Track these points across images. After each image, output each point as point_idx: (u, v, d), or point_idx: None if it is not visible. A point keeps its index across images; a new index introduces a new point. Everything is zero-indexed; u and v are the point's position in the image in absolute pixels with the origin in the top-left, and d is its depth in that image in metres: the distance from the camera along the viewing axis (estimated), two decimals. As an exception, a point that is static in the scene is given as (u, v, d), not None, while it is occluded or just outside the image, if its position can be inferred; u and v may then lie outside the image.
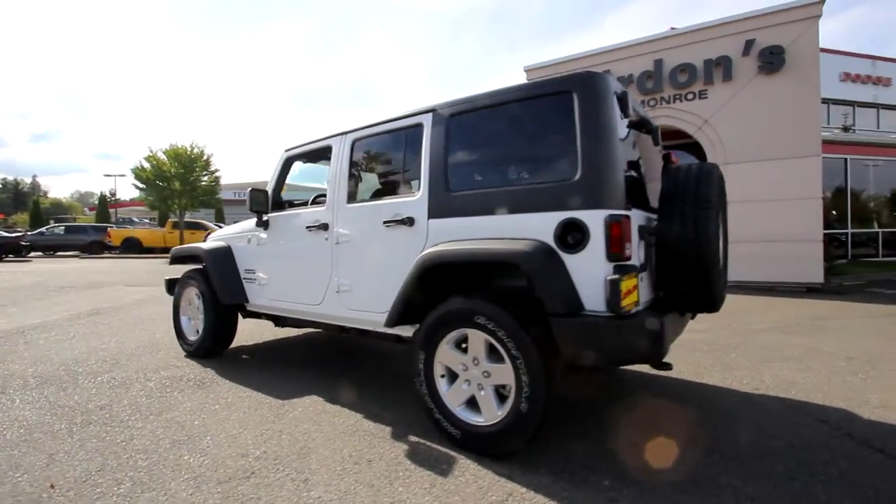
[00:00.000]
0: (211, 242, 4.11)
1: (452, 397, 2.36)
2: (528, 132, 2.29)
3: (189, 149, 23.04)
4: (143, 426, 2.64)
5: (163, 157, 22.85)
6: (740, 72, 8.00)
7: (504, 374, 2.16)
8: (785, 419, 2.68)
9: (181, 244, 22.08)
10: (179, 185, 22.54)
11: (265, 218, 3.53)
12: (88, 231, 22.52)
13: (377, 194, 2.95)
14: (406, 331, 2.71)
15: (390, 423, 2.64)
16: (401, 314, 2.50)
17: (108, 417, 2.77)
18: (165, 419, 2.73)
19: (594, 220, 1.99)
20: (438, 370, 2.40)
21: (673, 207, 2.26)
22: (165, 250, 22.11)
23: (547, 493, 1.93)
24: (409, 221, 2.57)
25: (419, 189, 2.58)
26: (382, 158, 2.98)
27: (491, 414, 2.21)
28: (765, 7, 7.66)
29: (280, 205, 3.55)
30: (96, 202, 39.08)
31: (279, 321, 3.78)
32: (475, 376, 2.28)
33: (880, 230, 12.24)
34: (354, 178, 3.01)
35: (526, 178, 2.24)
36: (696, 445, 2.34)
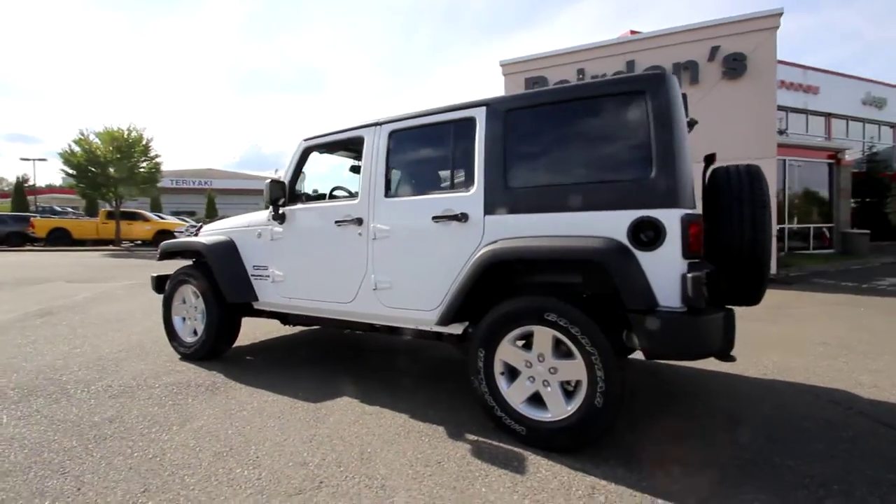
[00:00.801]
0: (211, 237, 3.80)
1: (514, 394, 2.35)
2: (594, 129, 2.30)
3: (126, 132, 21.14)
4: (170, 438, 2.41)
5: (96, 140, 20.81)
6: (706, 76, 8.51)
7: (573, 369, 2.18)
8: (801, 401, 2.91)
9: (117, 236, 20.46)
10: (115, 171, 20.64)
11: (282, 211, 3.31)
12: (7, 221, 20.14)
13: (418, 189, 2.85)
14: (447, 328, 2.65)
15: (440, 422, 2.59)
16: (457, 311, 2.45)
17: (124, 431, 2.50)
18: (193, 429, 2.51)
19: (671, 218, 2.03)
20: (498, 367, 2.38)
21: (726, 207, 2.36)
22: (99, 242, 20.25)
23: (626, 483, 1.97)
24: (462, 217, 2.51)
25: (473, 185, 2.53)
26: (425, 152, 2.88)
27: (559, 409, 2.23)
28: (729, 16, 8.18)
29: (296, 197, 3.35)
30: (8, 188, 34.85)
31: (287, 320, 3.59)
32: (540, 373, 2.28)
33: (811, 225, 13.58)
34: (393, 172, 2.89)
35: (594, 175, 2.25)
36: (740, 430, 2.49)
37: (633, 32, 12.59)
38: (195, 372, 3.47)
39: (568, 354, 2.21)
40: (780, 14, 7.88)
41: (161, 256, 4.01)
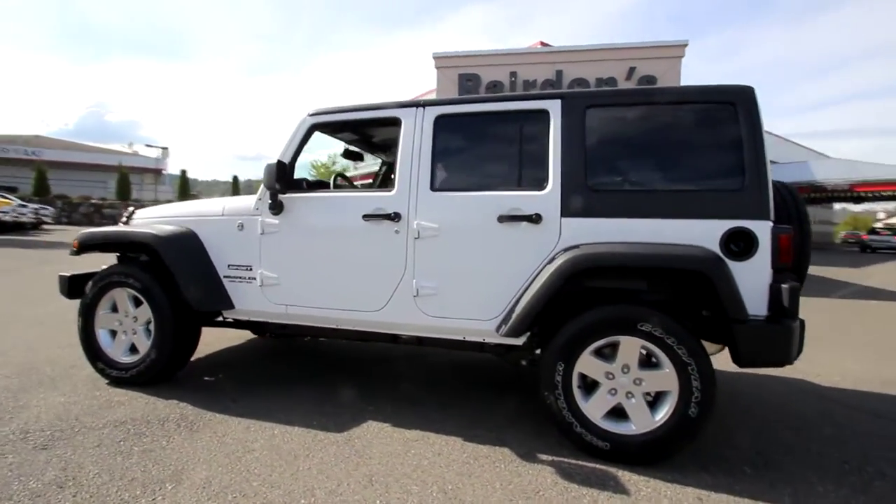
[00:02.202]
0: (161, 226, 2.94)
1: (594, 408, 2.22)
2: (681, 135, 2.26)
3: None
4: (177, 501, 1.77)
5: None
6: (622, 94, 9.43)
7: (662, 380, 2.13)
8: (781, 392, 3.30)
9: None
10: None
11: (280, 199, 2.69)
12: None
13: (474, 184, 2.53)
14: (508, 339, 2.42)
15: (500, 442, 2.34)
16: (533, 320, 2.23)
17: (92, 500, 1.77)
18: (199, 486, 1.88)
19: (763, 230, 2.09)
20: (575, 381, 2.23)
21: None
22: None
23: (729, 491, 1.98)
24: (536, 218, 2.29)
25: (547, 183, 2.32)
26: (481, 143, 2.56)
27: (645, 422, 2.16)
28: (645, 41, 9.15)
29: (294, 184, 2.74)
30: None
31: (263, 330, 2.97)
32: (623, 384, 2.19)
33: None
34: (439, 162, 2.52)
35: (682, 182, 2.22)
36: (805, 428, 2.64)
37: (542, 44, 13.36)
38: (146, 402, 2.66)
39: (654, 364, 2.16)
40: (685, 45, 9.07)
41: (80, 250, 2.99)
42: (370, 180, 4.03)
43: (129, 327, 2.93)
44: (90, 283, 2.94)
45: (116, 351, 2.94)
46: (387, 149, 3.62)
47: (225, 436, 2.31)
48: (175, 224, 2.97)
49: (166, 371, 2.87)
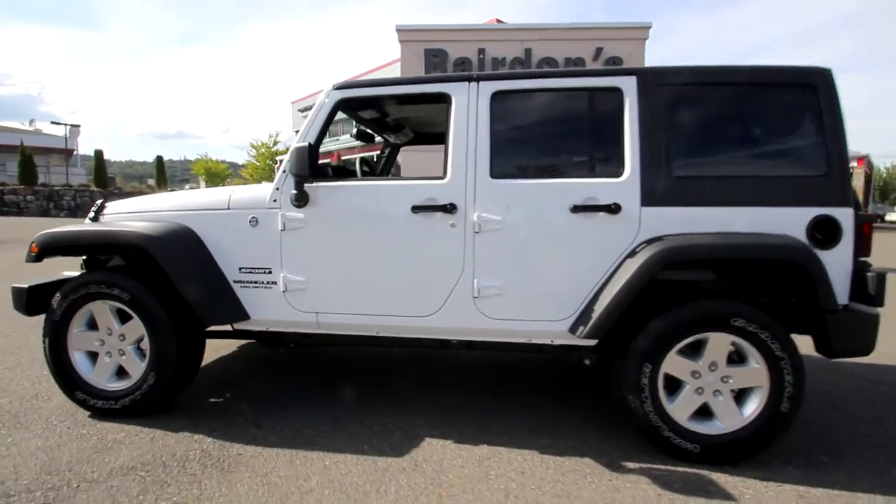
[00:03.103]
0: (150, 224, 2.40)
1: (680, 410, 2.09)
2: (762, 118, 2.13)
3: None
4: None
5: None
6: (591, 73, 9.40)
7: (751, 376, 2.05)
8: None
9: None
10: None
11: (306, 189, 2.27)
12: None
13: (541, 170, 2.26)
14: (565, 340, 2.22)
15: (578, 451, 2.16)
16: (615, 320, 2.04)
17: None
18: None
19: (846, 217, 2.03)
20: (661, 382, 2.09)
21: None
22: None
23: (821, 483, 1.95)
24: (613, 208, 2.08)
25: (624, 169, 2.11)
26: (546, 123, 2.27)
27: (733, 420, 2.07)
28: (612, 21, 9.13)
29: (318, 171, 2.33)
30: None
31: (280, 341, 2.58)
32: (710, 382, 2.08)
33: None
34: (499, 145, 2.22)
35: (765, 168, 2.10)
36: (848, 410, 2.67)
37: (498, 21, 13.09)
38: (150, 437, 2.20)
39: (742, 360, 2.07)
40: (649, 27, 9.16)
41: (40, 254, 2.39)
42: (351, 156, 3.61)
43: (114, 347, 2.40)
44: (58, 296, 2.37)
45: (100, 376, 2.41)
46: (403, 130, 3.23)
47: (268, 474, 1.94)
48: (165, 220, 2.45)
49: (168, 397, 2.40)
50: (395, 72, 13.72)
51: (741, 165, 2.13)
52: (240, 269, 2.40)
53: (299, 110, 27.92)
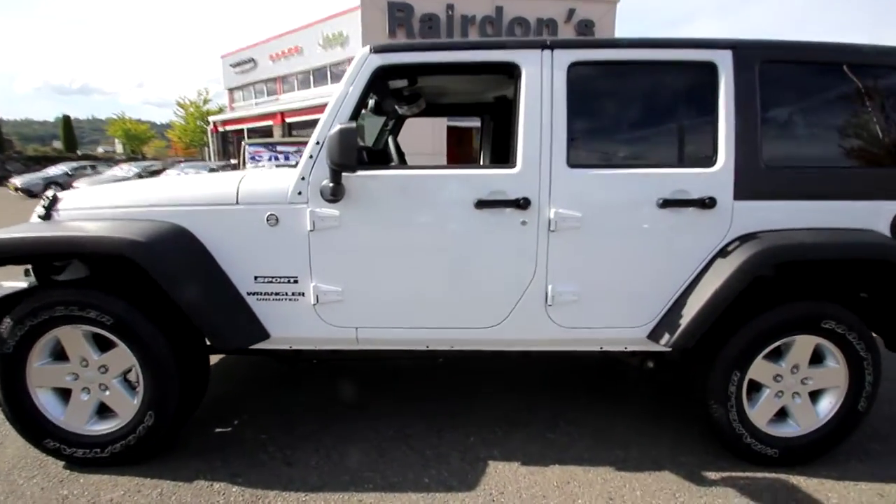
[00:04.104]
0: (132, 225, 1.86)
1: (760, 415, 2.00)
2: (855, 102, 1.95)
3: None
4: None
5: None
6: (563, 35, 9.06)
7: (831, 376, 1.98)
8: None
9: None
10: None
11: (342, 181, 1.83)
12: None
13: (624, 157, 1.96)
14: (642, 346, 2.04)
15: (660, 465, 2.02)
16: (709, 327, 1.86)
17: None
18: None
19: None
20: (745, 388, 1.97)
21: None
22: None
23: (891, 479, 1.95)
24: (707, 203, 1.85)
25: (717, 158, 1.87)
26: (629, 101, 1.96)
27: (810, 421, 2.01)
28: (586, -19, 8.80)
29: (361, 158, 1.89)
30: None
31: (301, 358, 2.19)
32: (790, 385, 1.99)
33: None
34: (578, 128, 1.89)
35: (852, 158, 1.95)
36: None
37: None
38: (159, 492, 1.77)
39: (819, 361, 1.99)
40: (621, -10, 8.93)
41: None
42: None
43: (92, 382, 1.89)
44: (8, 323, 1.80)
45: (75, 418, 1.90)
46: (418, 100, 2.78)
47: (329, 532, 1.62)
48: (152, 219, 1.92)
49: (168, 438, 1.96)
50: (350, 24, 12.46)
51: (831, 155, 1.97)
52: (255, 278, 1.94)
53: (231, 65, 25.24)
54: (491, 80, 2.65)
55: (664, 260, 1.93)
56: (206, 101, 31.76)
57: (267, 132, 20.17)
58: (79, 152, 33.93)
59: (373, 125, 3.20)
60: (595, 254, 1.92)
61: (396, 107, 2.79)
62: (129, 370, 1.89)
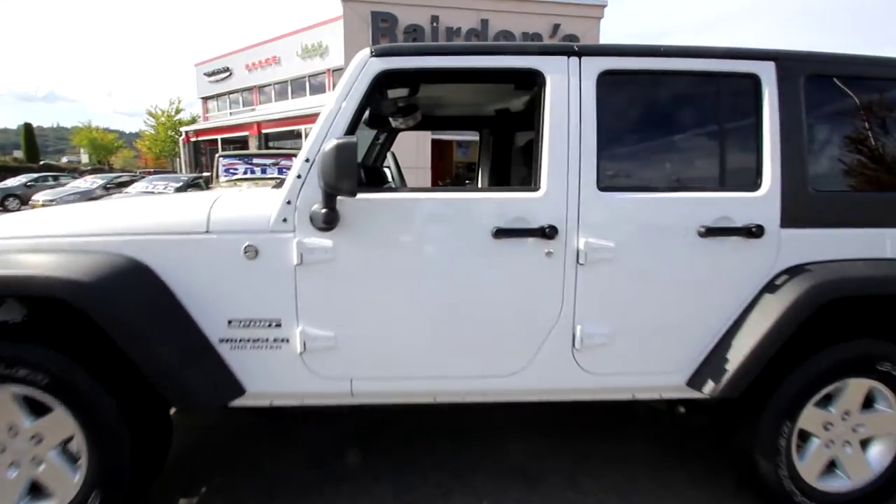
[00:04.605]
0: (71, 258, 1.51)
1: (810, 468, 1.77)
2: (904, 119, 1.79)
3: None
4: None
5: None
6: (547, 50, 9.03)
7: (886, 422, 1.78)
8: None
9: None
10: None
11: (337, 206, 1.53)
12: None
13: (658, 179, 1.73)
14: (680, 393, 1.80)
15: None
16: (760, 371, 1.63)
17: None
18: None
19: None
20: (794, 440, 1.75)
21: None
22: None
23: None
24: (755, 231, 1.63)
25: (762, 181, 1.67)
26: (665, 118, 1.74)
27: (862, 473, 1.80)
28: (568, -2, 8.80)
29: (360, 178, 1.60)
30: None
31: (282, 412, 1.87)
32: (840, 434, 1.78)
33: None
34: (609, 145, 1.65)
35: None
36: None
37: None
38: None
39: (873, 406, 1.79)
40: (604, 6, 8.94)
41: None
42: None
43: (22, 454, 1.52)
44: None
45: (-2, 502, 1.53)
46: (415, 112, 2.52)
47: None
48: (101, 250, 1.58)
49: (122, 516, 1.59)
50: (332, 34, 12.16)
51: (882, 178, 1.80)
52: (229, 322, 1.62)
53: (206, 74, 24.58)
54: (495, 92, 2.42)
55: (706, 296, 1.70)
56: (178, 111, 30.82)
57: (242, 143, 19.60)
58: (41, 162, 32.32)
59: (362, 139, 2.92)
60: (629, 289, 1.67)
61: (392, 119, 2.52)
62: (70, 440, 1.53)
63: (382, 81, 1.62)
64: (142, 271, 1.57)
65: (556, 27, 9.07)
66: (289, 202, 1.59)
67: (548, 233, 1.58)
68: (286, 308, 1.61)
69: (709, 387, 1.69)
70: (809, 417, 1.74)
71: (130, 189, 12.93)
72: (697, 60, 1.66)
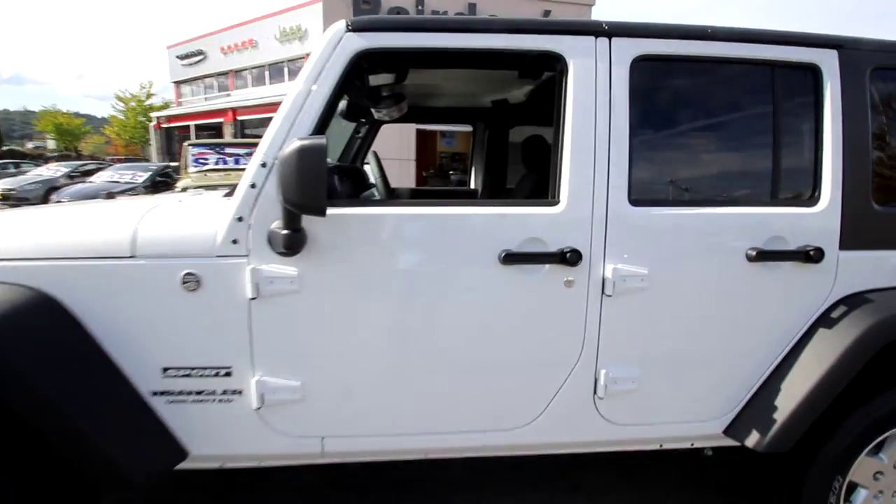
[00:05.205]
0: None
1: (859, 524, 1.54)
2: None
3: None
4: None
5: None
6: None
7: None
8: None
9: None
10: None
11: (303, 225, 1.19)
12: None
13: (697, 189, 1.43)
14: (713, 441, 1.54)
15: None
16: (816, 418, 1.37)
17: None
18: None
19: None
20: (843, 494, 1.50)
21: None
22: None
23: None
24: (812, 255, 1.36)
25: (819, 194, 1.39)
26: (705, 114, 1.44)
27: (911, 526, 1.57)
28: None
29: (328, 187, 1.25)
30: None
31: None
32: (890, 483, 1.54)
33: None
34: (643, 149, 1.35)
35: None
36: None
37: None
38: None
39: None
40: (596, -6, 8.66)
41: None
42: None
43: None
44: None
45: None
46: (400, 103, 2.17)
47: None
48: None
49: None
50: (310, 17, 11.47)
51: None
52: (164, 370, 1.27)
53: (178, 57, 23.39)
54: (494, 80, 2.10)
55: (750, 331, 1.43)
56: (149, 95, 29.42)
57: (217, 130, 18.76)
58: (5, 148, 30.56)
59: (339, 132, 2.56)
60: (663, 325, 1.39)
61: (373, 110, 2.16)
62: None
63: (362, 64, 1.28)
64: (48, 307, 1.21)
65: (547, 13, 8.72)
66: (240, 219, 1.24)
67: (569, 258, 1.27)
68: (238, 352, 1.27)
69: (753, 438, 1.42)
70: (861, 468, 1.50)
71: (95, 178, 12.19)
72: (750, 46, 1.36)
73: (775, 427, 1.39)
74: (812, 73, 1.39)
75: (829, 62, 1.39)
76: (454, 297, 1.31)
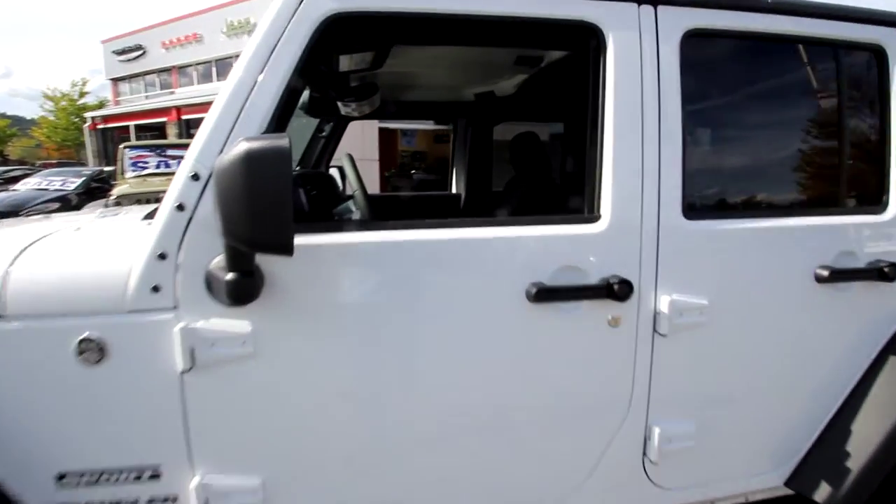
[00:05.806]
0: None
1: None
2: None
3: None
4: None
5: None
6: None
7: None
8: None
9: None
10: None
11: (255, 263, 0.83)
12: None
13: (752, 198, 1.17)
14: (769, 494, 1.31)
15: None
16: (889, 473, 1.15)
17: None
18: None
19: None
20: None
21: None
22: None
23: None
24: (886, 272, 1.13)
25: (888, 198, 1.16)
26: (759, 99, 1.16)
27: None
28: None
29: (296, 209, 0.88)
30: None
31: None
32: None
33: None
34: (698, 147, 1.07)
35: None
36: None
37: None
38: None
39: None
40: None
41: None
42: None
43: None
44: None
45: None
46: (373, 95, 1.82)
47: None
48: None
49: None
50: (261, 9, 10.72)
51: None
52: (60, 477, 0.88)
53: (115, 52, 21.67)
54: (482, 67, 1.80)
55: (817, 365, 1.19)
56: (82, 94, 27.16)
57: (160, 130, 17.47)
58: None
59: (297, 129, 2.18)
60: (724, 366, 1.12)
61: (340, 103, 1.80)
62: None
63: (332, 34, 0.92)
64: None
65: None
66: (162, 255, 0.86)
67: (617, 290, 0.97)
68: (168, 445, 0.90)
69: (823, 492, 1.18)
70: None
71: (20, 186, 10.94)
72: (816, 22, 1.11)
73: (850, 478, 1.15)
74: (877, 56, 1.17)
75: (894, 42, 1.17)
76: (469, 349, 0.98)
